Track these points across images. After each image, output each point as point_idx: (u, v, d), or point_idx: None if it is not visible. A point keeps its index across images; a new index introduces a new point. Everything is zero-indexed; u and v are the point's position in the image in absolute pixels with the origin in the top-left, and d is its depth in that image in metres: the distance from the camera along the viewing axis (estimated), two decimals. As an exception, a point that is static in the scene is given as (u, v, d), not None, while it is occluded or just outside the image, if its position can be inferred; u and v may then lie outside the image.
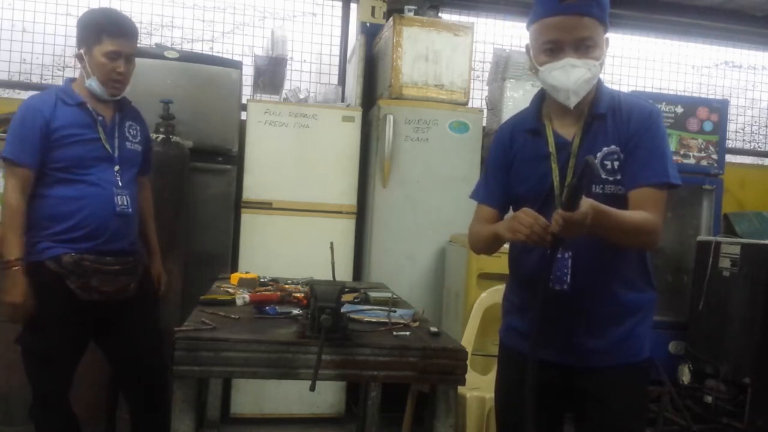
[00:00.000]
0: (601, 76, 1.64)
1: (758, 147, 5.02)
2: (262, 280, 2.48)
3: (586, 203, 1.35)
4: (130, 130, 2.44)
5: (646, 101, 1.65)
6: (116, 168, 2.33)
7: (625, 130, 1.57)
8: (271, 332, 1.72)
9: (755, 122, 5.01)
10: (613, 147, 1.57)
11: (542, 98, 1.71)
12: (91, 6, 3.91)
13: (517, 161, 1.70)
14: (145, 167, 2.55)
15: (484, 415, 2.73)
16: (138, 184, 2.48)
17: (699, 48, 4.82)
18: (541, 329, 1.51)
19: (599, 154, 1.57)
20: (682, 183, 1.60)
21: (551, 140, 1.63)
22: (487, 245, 1.74)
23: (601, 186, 1.56)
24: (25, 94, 3.85)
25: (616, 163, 1.57)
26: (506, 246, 1.83)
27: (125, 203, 2.32)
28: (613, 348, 1.60)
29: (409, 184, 3.60)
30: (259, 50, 3.93)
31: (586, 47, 1.54)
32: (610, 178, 1.57)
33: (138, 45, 2.44)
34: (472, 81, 3.79)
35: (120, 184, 2.33)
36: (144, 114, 3.19)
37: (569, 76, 1.53)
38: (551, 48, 1.56)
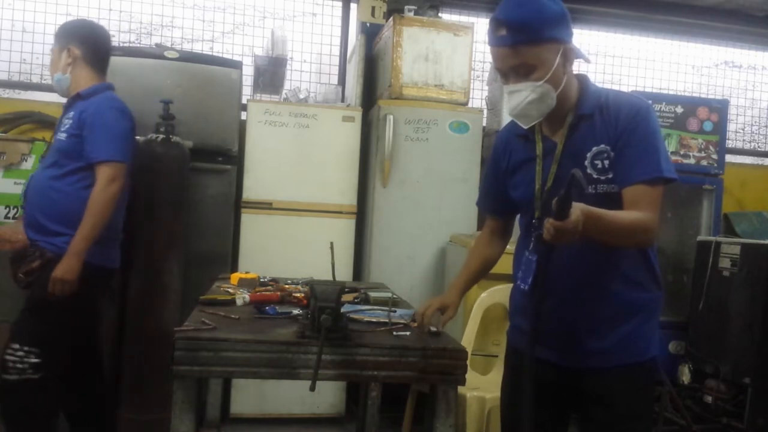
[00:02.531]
0: (602, 76, 1.64)
1: (758, 147, 5.02)
2: (262, 280, 2.48)
3: (577, 210, 1.34)
4: (65, 121, 2.52)
5: (636, 97, 1.64)
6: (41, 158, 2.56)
7: (614, 128, 1.56)
8: (271, 332, 1.72)
9: (755, 122, 5.01)
10: (602, 146, 1.56)
11: None
12: (91, 7, 3.92)
13: (511, 167, 1.73)
14: (86, 155, 2.45)
15: (484, 415, 2.72)
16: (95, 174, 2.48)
17: (699, 48, 4.81)
18: (536, 330, 1.51)
19: (588, 154, 1.57)
20: (678, 178, 1.58)
21: (539, 144, 1.64)
22: None
23: (593, 186, 1.56)
24: (25, 94, 3.86)
25: (606, 162, 1.56)
26: (509, 248, 1.84)
27: (24, 190, 2.51)
28: (616, 348, 1.59)
29: (409, 184, 3.60)
30: (259, 50, 3.93)
31: (522, 73, 1.56)
32: (602, 177, 1.56)
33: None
34: (472, 81, 3.79)
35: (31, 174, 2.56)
36: (143, 114, 3.22)
37: (511, 101, 1.59)
38: (501, 74, 1.62)
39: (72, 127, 2.47)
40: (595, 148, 1.57)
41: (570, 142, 1.60)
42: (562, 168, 1.58)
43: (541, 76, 1.55)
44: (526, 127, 1.61)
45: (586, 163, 1.56)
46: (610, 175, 1.56)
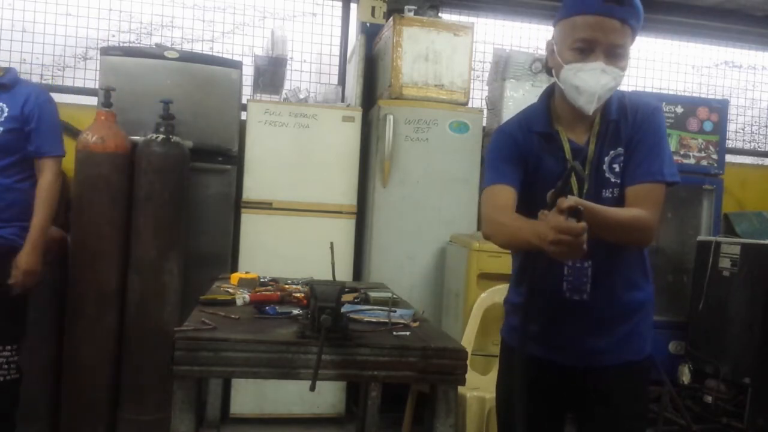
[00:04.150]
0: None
1: (758, 147, 5.02)
2: (262, 280, 2.48)
3: (570, 201, 1.35)
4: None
5: (648, 99, 1.64)
6: None
7: (630, 130, 1.57)
8: (271, 332, 1.71)
9: (755, 122, 5.01)
10: (619, 149, 1.57)
11: (550, 99, 1.67)
12: (91, 7, 3.92)
13: (531, 162, 1.63)
14: (34, 150, 2.51)
15: (484, 415, 2.73)
16: (37, 168, 2.51)
17: (699, 48, 4.81)
18: (526, 326, 1.52)
19: (607, 158, 1.57)
20: (680, 180, 1.58)
21: (567, 146, 1.60)
22: (511, 245, 1.61)
23: (611, 190, 1.56)
24: (24, 94, 3.85)
25: (622, 165, 1.56)
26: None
27: None
28: (616, 347, 1.60)
29: (409, 184, 3.60)
30: (259, 50, 3.93)
31: (616, 54, 1.50)
32: (619, 181, 1.56)
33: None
34: (472, 81, 3.79)
35: None
36: (144, 114, 3.22)
37: (598, 80, 1.49)
38: (582, 47, 1.50)
39: (8, 120, 2.44)
40: (612, 152, 1.57)
41: (597, 147, 1.58)
42: (592, 169, 1.57)
43: (624, 67, 1.53)
44: (590, 112, 1.53)
45: (605, 167, 1.56)
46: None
